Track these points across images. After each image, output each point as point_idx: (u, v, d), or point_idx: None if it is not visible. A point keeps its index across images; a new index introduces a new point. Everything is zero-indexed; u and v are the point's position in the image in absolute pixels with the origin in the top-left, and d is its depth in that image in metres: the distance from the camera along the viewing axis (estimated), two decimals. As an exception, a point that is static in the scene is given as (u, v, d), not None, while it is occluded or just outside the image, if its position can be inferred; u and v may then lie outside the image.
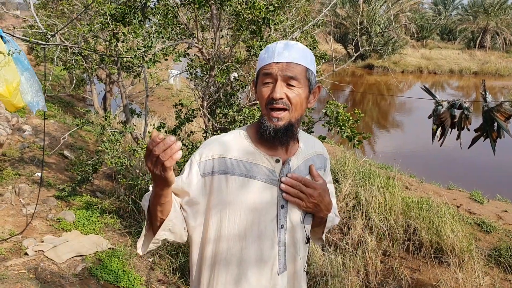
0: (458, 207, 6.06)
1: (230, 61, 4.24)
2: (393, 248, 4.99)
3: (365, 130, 14.66)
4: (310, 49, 4.20)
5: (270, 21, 3.39)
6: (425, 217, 5.15)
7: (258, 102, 4.22)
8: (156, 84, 8.06)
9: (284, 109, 1.49)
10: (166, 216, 1.48)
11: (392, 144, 11.98)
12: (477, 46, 37.77)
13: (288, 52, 1.48)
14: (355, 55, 4.68)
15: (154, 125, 4.81)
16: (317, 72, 4.66)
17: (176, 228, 1.53)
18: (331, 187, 1.75)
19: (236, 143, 1.57)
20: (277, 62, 1.48)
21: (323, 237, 1.79)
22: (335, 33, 28.45)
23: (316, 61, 4.46)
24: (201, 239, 1.59)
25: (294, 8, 4.51)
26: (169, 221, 1.49)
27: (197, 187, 1.54)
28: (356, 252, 4.69)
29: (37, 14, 6.21)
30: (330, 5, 4.76)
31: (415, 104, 16.31)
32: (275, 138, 1.51)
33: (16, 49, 3.45)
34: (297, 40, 4.49)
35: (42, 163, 4.97)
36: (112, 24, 3.96)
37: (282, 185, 1.53)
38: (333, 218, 1.78)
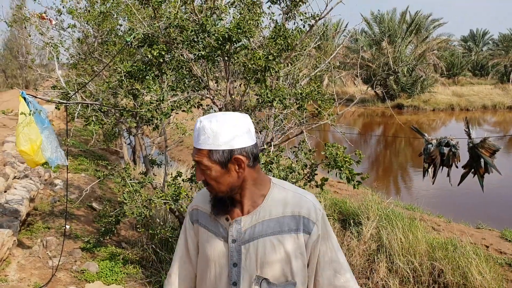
0: (487, 247, 5.83)
1: (241, 109, 4.38)
2: (418, 292, 4.83)
3: (399, 170, 14.54)
4: (315, 94, 4.31)
5: (271, 69, 3.55)
6: (450, 258, 4.99)
7: (265, 147, 4.32)
8: (182, 134, 8.33)
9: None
10: None
11: (421, 183, 11.75)
12: (510, 80, 37.10)
13: (199, 137, 1.54)
14: (367, 87, 4.71)
15: (171, 174, 4.96)
16: (330, 115, 4.69)
17: None
18: (334, 242, 1.66)
19: (208, 196, 1.69)
20: (195, 147, 1.56)
21: None
22: (361, 74, 28.58)
23: (327, 105, 4.56)
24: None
25: (302, 56, 4.66)
26: None
27: (192, 232, 1.76)
28: (378, 297, 4.58)
29: (68, 74, 6.61)
30: (337, 50, 4.87)
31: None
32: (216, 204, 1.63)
33: (37, 109, 3.70)
34: (307, 85, 4.63)
35: (66, 215, 5.15)
36: (126, 81, 4.19)
37: None
38: None
